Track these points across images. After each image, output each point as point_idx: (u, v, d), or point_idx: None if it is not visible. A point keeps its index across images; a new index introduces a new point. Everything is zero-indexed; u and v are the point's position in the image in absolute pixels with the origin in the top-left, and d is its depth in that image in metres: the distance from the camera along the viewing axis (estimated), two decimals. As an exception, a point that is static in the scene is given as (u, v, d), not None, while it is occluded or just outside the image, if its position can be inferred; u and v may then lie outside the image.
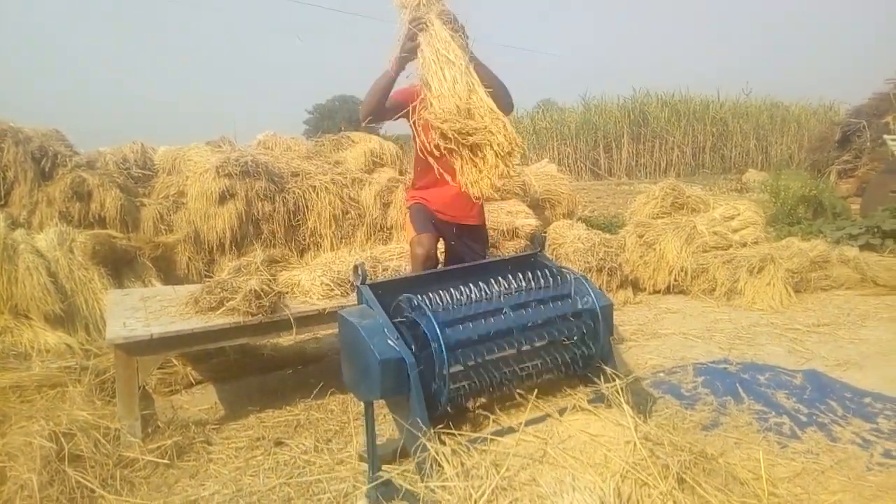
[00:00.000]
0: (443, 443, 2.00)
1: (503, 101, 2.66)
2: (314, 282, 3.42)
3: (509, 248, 5.42)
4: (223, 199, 5.34)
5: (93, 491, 2.45)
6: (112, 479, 2.54)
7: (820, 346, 4.05)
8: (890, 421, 2.87)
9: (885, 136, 8.76)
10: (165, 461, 2.71)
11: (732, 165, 18.62)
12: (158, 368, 3.53)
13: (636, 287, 5.57)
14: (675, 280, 5.45)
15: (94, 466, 2.55)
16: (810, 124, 19.20)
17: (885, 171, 8.58)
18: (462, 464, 1.90)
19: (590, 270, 5.19)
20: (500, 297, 2.30)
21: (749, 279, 5.17)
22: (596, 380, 2.36)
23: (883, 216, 6.53)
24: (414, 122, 2.70)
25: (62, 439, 2.57)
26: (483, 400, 2.22)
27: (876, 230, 6.34)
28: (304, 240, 5.78)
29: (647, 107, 19.50)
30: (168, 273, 5.09)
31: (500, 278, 2.35)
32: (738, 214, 6.15)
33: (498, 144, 2.37)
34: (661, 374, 3.60)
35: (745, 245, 5.84)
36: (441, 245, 3.13)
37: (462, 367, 2.14)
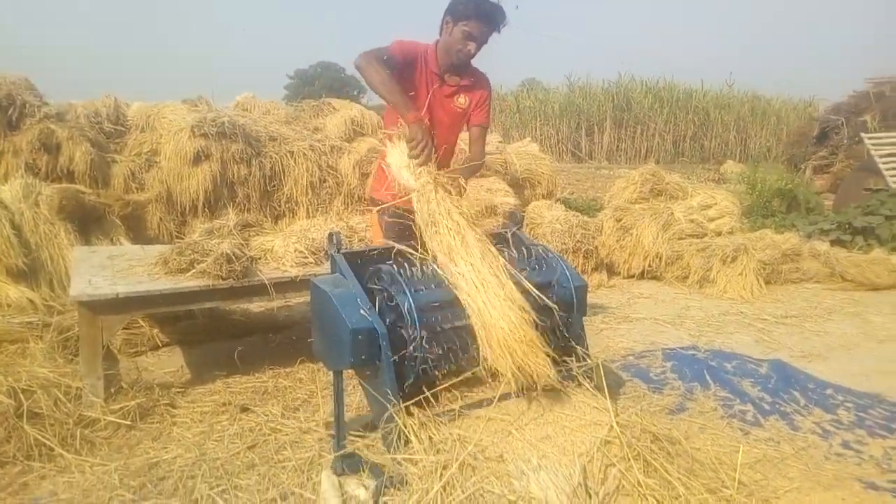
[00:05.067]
0: (411, 415, 1.98)
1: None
2: (288, 248, 3.36)
3: (487, 226, 5.38)
4: (198, 159, 5.21)
5: (51, 449, 2.40)
6: (72, 438, 2.49)
7: (787, 337, 4.12)
8: (850, 413, 2.93)
9: (863, 135, 8.87)
10: (128, 422, 2.66)
11: (711, 156, 18.79)
12: (124, 329, 3.46)
13: (611, 271, 5.60)
14: (650, 266, 5.49)
15: (53, 424, 2.49)
16: (790, 119, 19.43)
17: (859, 169, 8.71)
18: (430, 437, 1.89)
19: (566, 252, 5.19)
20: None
21: (722, 268, 5.23)
22: (567, 359, 2.36)
23: (855, 213, 6.65)
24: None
25: (21, 395, 2.50)
26: (453, 369, 2.20)
27: (847, 226, 6.45)
28: (280, 206, 5.69)
29: (631, 92, 19.55)
30: (137, 232, 4.97)
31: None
32: (716, 204, 6.20)
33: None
34: (631, 358, 3.63)
35: (719, 234, 5.90)
36: None
37: (431, 333, 2.11)
